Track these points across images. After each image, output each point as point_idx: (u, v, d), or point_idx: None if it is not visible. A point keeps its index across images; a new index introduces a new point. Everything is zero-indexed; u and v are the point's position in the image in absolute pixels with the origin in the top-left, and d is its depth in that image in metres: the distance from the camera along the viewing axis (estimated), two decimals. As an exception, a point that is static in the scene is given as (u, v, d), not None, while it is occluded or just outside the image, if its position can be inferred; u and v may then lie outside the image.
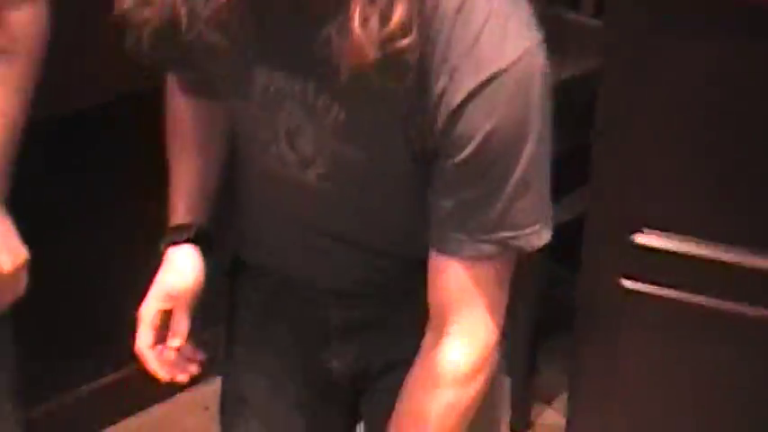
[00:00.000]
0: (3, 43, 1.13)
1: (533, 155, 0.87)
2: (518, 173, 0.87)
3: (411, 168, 0.93)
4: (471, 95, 0.83)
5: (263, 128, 0.97)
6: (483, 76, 0.83)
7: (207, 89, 1.07)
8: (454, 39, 0.83)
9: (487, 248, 0.91)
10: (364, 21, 0.78)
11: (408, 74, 0.82)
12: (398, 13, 0.78)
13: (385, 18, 0.78)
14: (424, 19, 0.81)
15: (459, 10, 0.82)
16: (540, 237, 0.91)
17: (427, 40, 0.82)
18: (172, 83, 1.15)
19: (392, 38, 0.79)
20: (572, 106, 1.35)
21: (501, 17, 0.84)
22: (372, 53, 0.78)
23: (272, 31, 0.90)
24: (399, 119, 0.88)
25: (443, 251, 0.93)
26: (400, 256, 1.06)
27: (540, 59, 0.85)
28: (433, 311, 0.97)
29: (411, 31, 0.79)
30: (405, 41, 0.79)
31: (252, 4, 0.86)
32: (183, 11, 0.86)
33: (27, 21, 1.14)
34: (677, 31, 1.48)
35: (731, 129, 1.53)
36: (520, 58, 0.83)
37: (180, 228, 1.13)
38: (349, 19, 0.78)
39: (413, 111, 0.87)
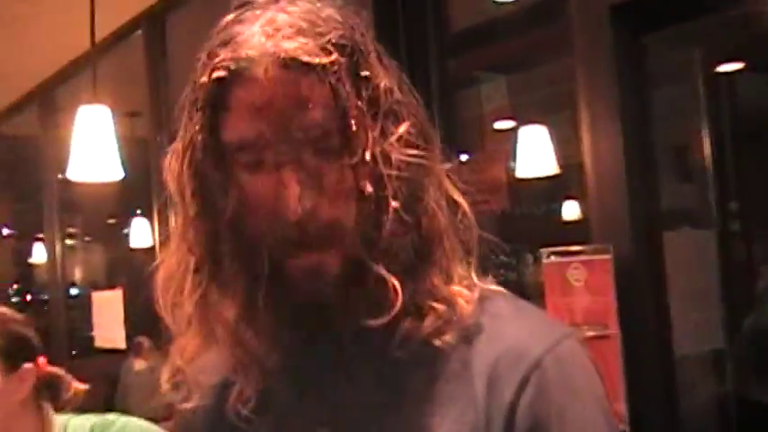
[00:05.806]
0: None
1: None
2: None
3: None
4: (521, 387, 0.82)
5: None
6: (526, 365, 0.83)
7: None
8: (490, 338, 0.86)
9: None
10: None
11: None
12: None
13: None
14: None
15: (483, 312, 0.87)
16: None
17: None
18: None
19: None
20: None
21: (528, 313, 0.89)
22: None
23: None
24: None
25: None
26: None
27: (577, 344, 0.86)
28: None
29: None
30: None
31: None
32: None
33: None
34: None
35: None
36: (558, 342, 0.84)
37: None
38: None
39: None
